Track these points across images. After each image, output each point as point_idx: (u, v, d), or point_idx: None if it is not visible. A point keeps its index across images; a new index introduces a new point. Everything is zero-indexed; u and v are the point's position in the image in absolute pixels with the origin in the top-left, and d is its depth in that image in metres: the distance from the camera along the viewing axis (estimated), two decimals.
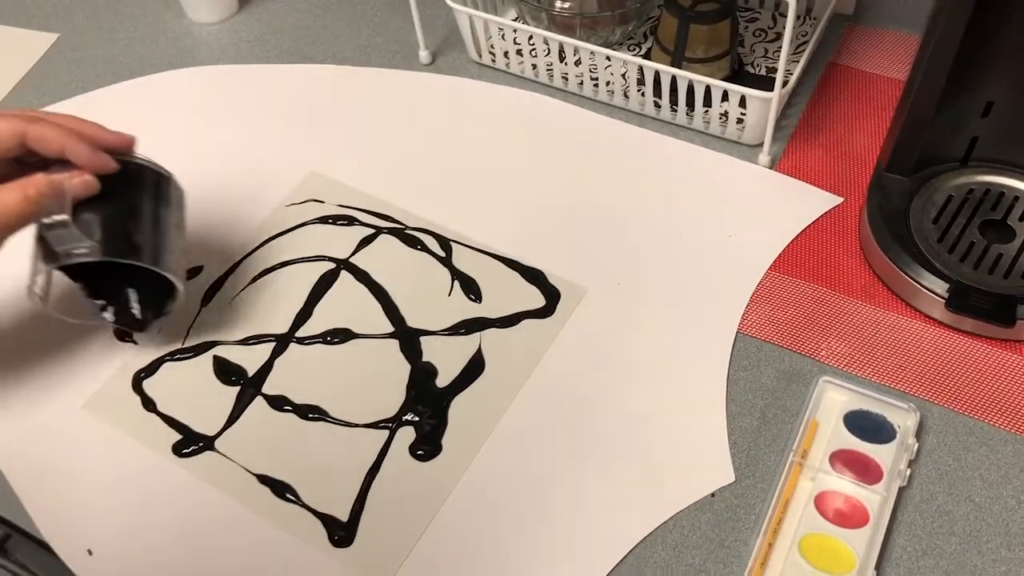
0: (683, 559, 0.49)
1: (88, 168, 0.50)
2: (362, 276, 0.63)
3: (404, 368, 0.57)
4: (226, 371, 0.58)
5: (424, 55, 0.78)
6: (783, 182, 0.66)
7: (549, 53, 0.73)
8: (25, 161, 0.50)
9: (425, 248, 0.64)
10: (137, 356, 0.59)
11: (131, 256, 0.51)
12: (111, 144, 0.52)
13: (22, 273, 0.52)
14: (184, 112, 0.76)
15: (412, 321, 0.60)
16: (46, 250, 0.50)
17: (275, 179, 0.70)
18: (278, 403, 0.56)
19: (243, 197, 0.69)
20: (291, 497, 0.52)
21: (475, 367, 0.57)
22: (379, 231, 0.65)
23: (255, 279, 0.63)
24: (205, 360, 0.59)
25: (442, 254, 0.64)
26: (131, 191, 0.52)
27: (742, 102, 0.66)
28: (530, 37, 0.72)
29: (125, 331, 0.60)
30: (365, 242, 0.65)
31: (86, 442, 0.56)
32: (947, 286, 0.56)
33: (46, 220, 0.48)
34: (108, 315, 0.56)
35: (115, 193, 0.51)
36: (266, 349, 0.59)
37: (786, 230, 0.63)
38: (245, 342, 0.60)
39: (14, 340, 0.61)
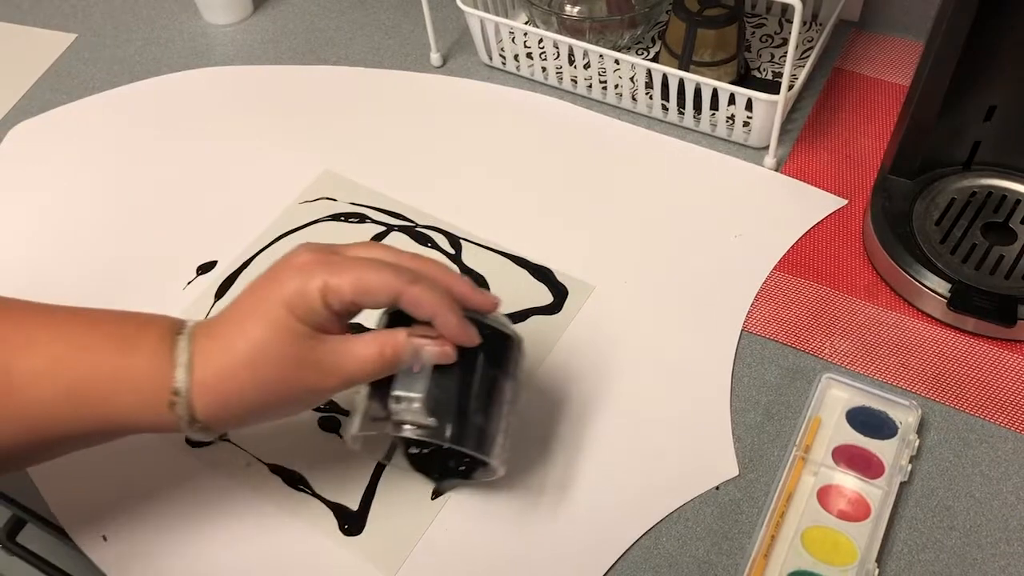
0: (688, 550, 0.50)
1: (451, 340, 0.45)
2: None
3: None
4: None
5: (435, 57, 0.79)
6: (788, 184, 0.67)
7: (559, 56, 0.74)
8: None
9: (435, 245, 0.65)
10: None
11: (465, 443, 0.46)
12: (476, 305, 0.47)
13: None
14: (200, 111, 0.78)
15: None
16: (378, 406, 0.46)
17: (289, 177, 0.71)
18: None
19: (257, 194, 0.70)
20: (302, 487, 0.53)
21: None
22: (390, 228, 0.66)
23: None
24: None
25: (452, 251, 0.65)
26: (481, 362, 0.47)
27: (749, 105, 0.67)
28: (540, 40, 0.74)
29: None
30: (376, 239, 0.66)
31: None
32: (949, 286, 0.57)
33: (398, 393, 0.45)
34: (413, 450, 0.52)
35: (465, 361, 0.46)
36: None
37: (791, 231, 0.64)
38: None
39: None
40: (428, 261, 0.46)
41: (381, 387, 0.46)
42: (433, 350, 0.44)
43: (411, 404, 0.45)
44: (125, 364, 0.42)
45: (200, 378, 0.42)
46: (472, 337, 0.45)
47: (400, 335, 0.44)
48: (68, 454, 0.45)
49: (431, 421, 0.45)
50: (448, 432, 0.45)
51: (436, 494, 0.53)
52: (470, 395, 0.46)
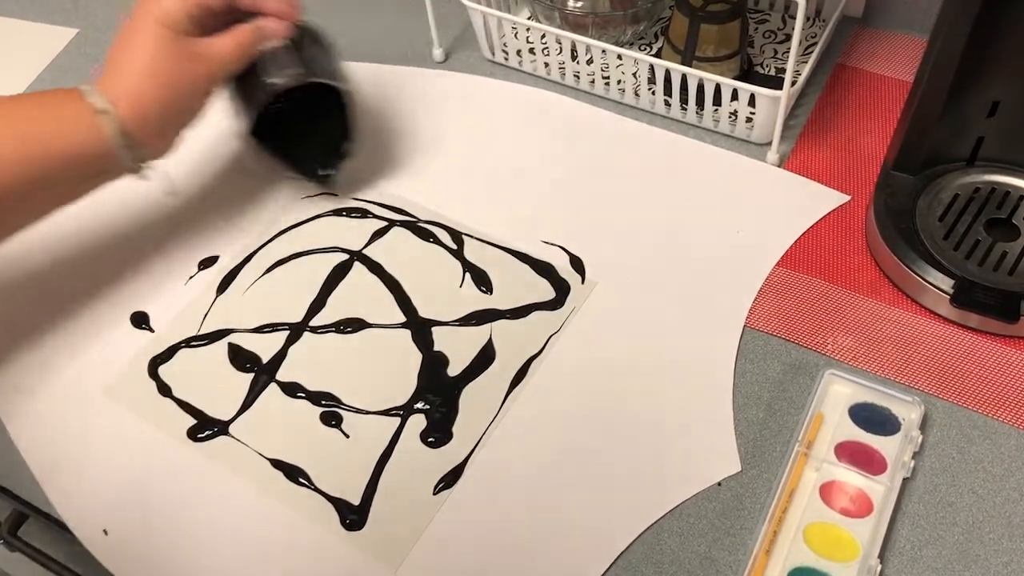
0: (690, 546, 0.50)
1: (277, 15, 0.59)
2: (375, 267, 0.64)
3: (416, 357, 0.58)
4: (241, 358, 0.59)
5: (438, 53, 0.79)
6: (791, 180, 0.67)
7: (561, 52, 0.74)
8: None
9: (437, 241, 0.65)
10: (153, 342, 0.61)
11: (332, 78, 0.62)
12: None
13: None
14: None
15: (424, 312, 0.61)
16: (250, 91, 0.61)
17: None
18: (292, 390, 0.57)
19: (259, 189, 0.70)
20: (304, 481, 0.53)
21: (486, 357, 0.58)
22: (392, 224, 0.66)
23: (270, 269, 0.64)
24: (220, 347, 0.60)
25: (454, 247, 0.65)
26: (307, 35, 0.62)
27: (751, 101, 0.67)
28: (543, 36, 0.73)
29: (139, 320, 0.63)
30: (378, 234, 0.66)
31: (103, 426, 0.57)
32: (952, 282, 0.57)
33: (265, 48, 0.60)
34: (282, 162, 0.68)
35: (298, 36, 0.61)
36: (280, 337, 0.60)
37: (794, 227, 0.64)
38: (260, 330, 0.61)
39: (35, 326, 0.62)
40: None
41: (247, 81, 0.60)
42: (270, 24, 0.59)
43: (284, 54, 0.60)
44: (52, 111, 0.54)
45: (116, 96, 0.54)
46: (292, 10, 0.60)
47: (245, 25, 0.59)
48: (41, 217, 0.57)
49: (299, 68, 0.60)
50: (311, 73, 0.61)
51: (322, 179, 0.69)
52: (315, 51, 0.62)
